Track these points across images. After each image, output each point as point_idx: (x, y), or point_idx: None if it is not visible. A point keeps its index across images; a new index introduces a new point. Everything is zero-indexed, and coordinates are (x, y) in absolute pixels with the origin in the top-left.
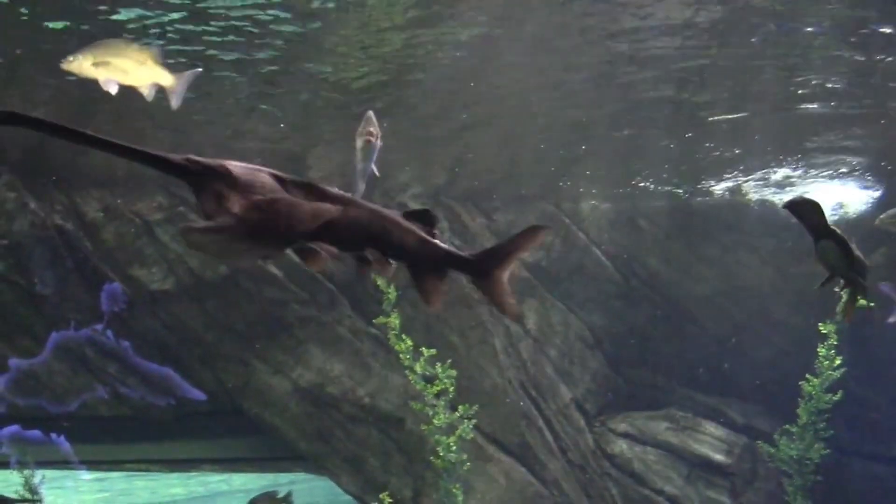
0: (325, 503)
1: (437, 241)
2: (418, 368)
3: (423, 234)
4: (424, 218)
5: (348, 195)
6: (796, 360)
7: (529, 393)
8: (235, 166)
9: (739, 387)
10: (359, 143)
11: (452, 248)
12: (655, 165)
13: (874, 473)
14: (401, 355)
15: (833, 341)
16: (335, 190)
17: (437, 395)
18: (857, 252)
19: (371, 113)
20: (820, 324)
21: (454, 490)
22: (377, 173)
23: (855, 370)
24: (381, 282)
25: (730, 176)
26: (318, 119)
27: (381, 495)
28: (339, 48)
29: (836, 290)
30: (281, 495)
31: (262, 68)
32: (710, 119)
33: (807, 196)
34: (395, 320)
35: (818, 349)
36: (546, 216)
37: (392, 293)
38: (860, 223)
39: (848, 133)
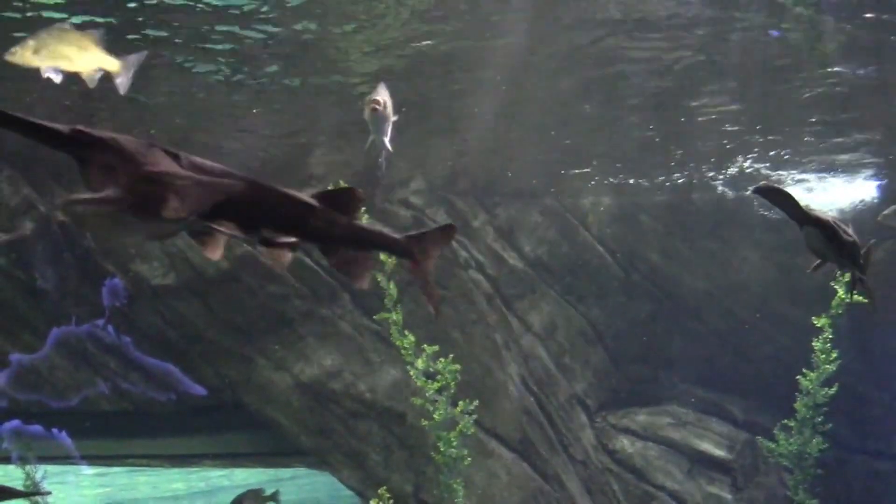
0: (327, 498)
1: (362, 224)
2: (420, 364)
3: (338, 216)
4: (344, 199)
5: (250, 176)
6: (797, 355)
7: (531, 388)
8: (125, 139)
9: (740, 382)
10: (366, 112)
11: (384, 230)
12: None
13: (876, 470)
14: (402, 351)
15: (828, 335)
16: (234, 170)
17: (439, 391)
18: (848, 236)
19: (383, 84)
20: (814, 318)
21: (454, 485)
22: (390, 148)
23: (856, 367)
24: (381, 278)
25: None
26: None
27: (379, 490)
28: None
29: (832, 283)
30: (268, 493)
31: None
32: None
33: (775, 184)
34: (396, 316)
35: (814, 343)
36: (548, 211)
37: (393, 289)
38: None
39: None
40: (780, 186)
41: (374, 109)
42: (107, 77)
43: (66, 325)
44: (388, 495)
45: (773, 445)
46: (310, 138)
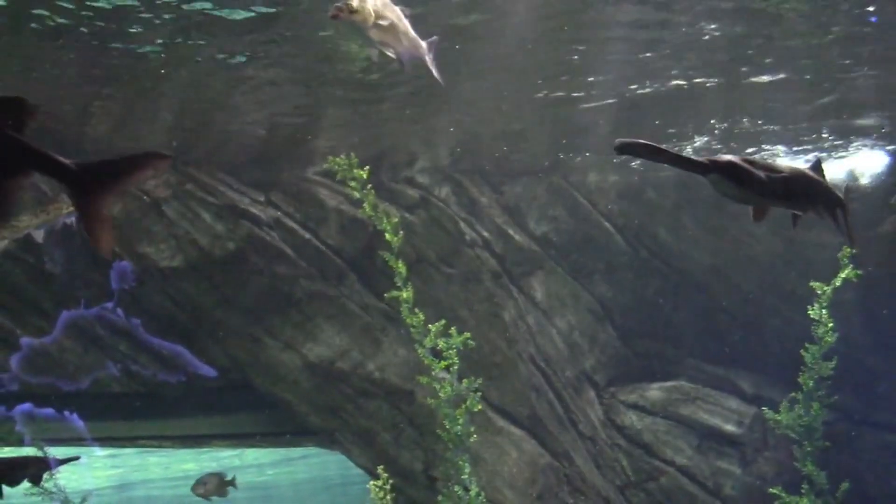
0: (338, 476)
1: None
2: (428, 342)
3: None
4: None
5: None
6: (805, 328)
7: (539, 365)
8: None
9: (749, 357)
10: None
11: (43, 149)
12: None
13: (886, 442)
14: (413, 329)
15: (824, 302)
16: None
17: (446, 369)
18: (770, 171)
19: None
20: (812, 283)
21: (461, 462)
22: (392, 55)
23: (866, 340)
24: (389, 256)
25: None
26: None
27: (379, 469)
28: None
29: (838, 255)
30: (228, 478)
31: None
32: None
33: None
34: (407, 294)
35: (809, 311)
36: (554, 188)
37: (402, 267)
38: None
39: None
40: (641, 140)
41: (335, 16)
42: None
43: (75, 309)
44: (386, 475)
45: (779, 418)
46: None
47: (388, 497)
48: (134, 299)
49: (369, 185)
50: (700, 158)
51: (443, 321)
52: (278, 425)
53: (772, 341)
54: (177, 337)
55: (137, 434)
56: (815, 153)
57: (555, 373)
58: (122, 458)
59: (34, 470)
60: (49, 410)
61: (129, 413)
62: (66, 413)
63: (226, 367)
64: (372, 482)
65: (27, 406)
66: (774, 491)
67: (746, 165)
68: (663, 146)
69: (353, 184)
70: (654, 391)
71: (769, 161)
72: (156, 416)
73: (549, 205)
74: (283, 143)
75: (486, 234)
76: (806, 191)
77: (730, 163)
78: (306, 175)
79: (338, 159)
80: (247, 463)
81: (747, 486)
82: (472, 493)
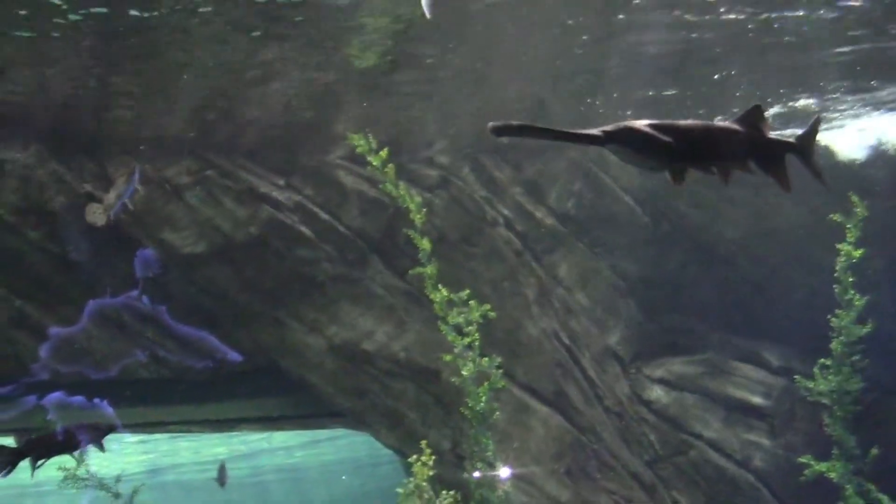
0: (367, 457)
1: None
2: (451, 319)
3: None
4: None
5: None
6: (831, 300)
7: (563, 342)
8: None
9: (775, 329)
10: None
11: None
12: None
13: None
14: (436, 305)
15: (845, 263)
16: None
17: (469, 346)
18: (676, 130)
19: None
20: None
21: (485, 440)
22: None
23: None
24: (413, 233)
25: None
26: None
27: (422, 444)
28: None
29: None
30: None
31: None
32: None
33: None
34: (430, 270)
35: (837, 273)
36: (574, 163)
37: (426, 243)
38: None
39: None
40: (514, 122)
41: None
42: None
43: (101, 297)
44: (428, 451)
45: (811, 384)
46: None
47: (430, 473)
48: (158, 287)
49: (390, 164)
50: (592, 130)
51: (464, 292)
52: (305, 408)
53: (798, 313)
54: (202, 323)
55: (166, 419)
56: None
57: (579, 349)
58: (152, 444)
59: (66, 444)
60: (79, 398)
61: (157, 399)
62: (97, 400)
63: (251, 351)
64: (414, 456)
65: (58, 394)
66: (804, 459)
67: (644, 129)
68: (540, 125)
69: (373, 161)
70: (680, 365)
71: (683, 121)
72: (184, 401)
73: (569, 181)
74: (302, 126)
75: (507, 212)
76: (728, 144)
77: (624, 129)
78: (326, 158)
79: (357, 137)
80: (275, 445)
81: (776, 457)
82: (498, 469)
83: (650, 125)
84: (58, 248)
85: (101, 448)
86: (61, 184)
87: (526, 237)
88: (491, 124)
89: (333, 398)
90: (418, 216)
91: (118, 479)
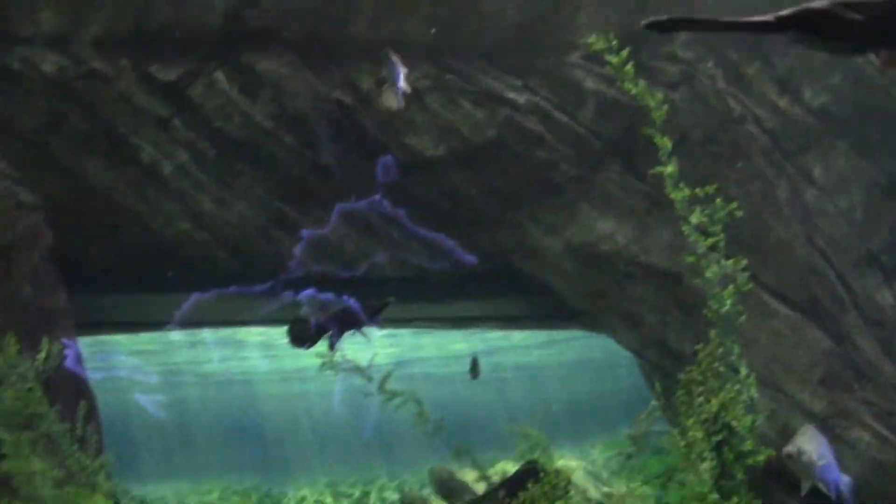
0: (603, 357)
1: None
2: (694, 219)
3: None
4: None
5: None
6: None
7: (818, 246)
8: None
9: None
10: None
11: None
12: None
13: None
14: (677, 204)
15: None
16: None
17: (713, 247)
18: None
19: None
20: None
21: (729, 344)
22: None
23: None
24: (653, 130)
25: None
26: None
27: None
28: None
29: None
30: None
31: None
32: None
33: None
34: (671, 168)
35: None
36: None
37: (666, 142)
38: None
39: None
40: (676, 16)
41: None
42: None
43: (347, 201)
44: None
45: None
46: None
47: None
48: (400, 190)
49: (630, 63)
50: (764, 17)
51: (709, 187)
52: (542, 308)
53: None
54: (438, 225)
55: (410, 316)
56: None
57: (836, 254)
58: (398, 338)
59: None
60: (329, 295)
61: (402, 296)
62: (345, 297)
63: (489, 252)
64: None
65: (311, 291)
66: None
67: (827, 8)
68: (702, 17)
69: (612, 61)
70: None
71: None
72: (426, 299)
73: (826, 73)
74: (538, 24)
75: (755, 108)
76: None
77: (803, 11)
78: (562, 58)
79: (594, 38)
80: (513, 344)
81: None
82: (742, 375)
83: (834, 2)
84: (310, 151)
85: (378, 324)
86: (313, 91)
87: (777, 135)
88: (645, 21)
89: (571, 299)
90: (658, 114)
91: (370, 365)
